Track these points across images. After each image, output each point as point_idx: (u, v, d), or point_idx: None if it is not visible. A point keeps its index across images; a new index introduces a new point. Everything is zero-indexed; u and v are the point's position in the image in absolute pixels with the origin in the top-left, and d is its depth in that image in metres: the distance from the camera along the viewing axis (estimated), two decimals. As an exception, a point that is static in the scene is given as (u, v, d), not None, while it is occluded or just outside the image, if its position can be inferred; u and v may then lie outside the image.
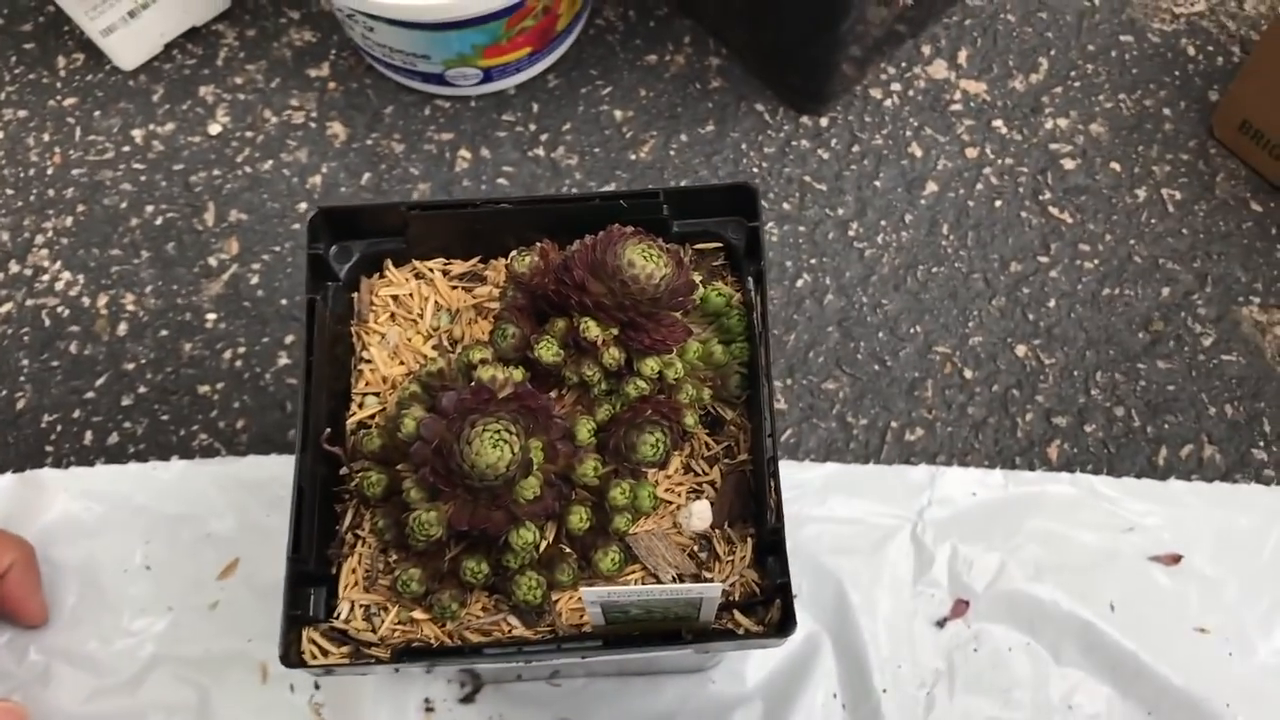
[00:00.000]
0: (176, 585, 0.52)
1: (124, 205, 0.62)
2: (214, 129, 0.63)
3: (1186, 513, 0.53)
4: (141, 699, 0.50)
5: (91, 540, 0.52)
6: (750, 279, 0.41)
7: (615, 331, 0.39)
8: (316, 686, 0.50)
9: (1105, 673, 0.51)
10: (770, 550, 0.39)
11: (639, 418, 0.39)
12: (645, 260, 0.38)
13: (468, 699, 0.51)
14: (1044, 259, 0.59)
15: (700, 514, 0.39)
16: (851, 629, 0.51)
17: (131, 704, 0.50)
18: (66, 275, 0.60)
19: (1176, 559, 0.53)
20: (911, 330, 0.57)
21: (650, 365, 0.39)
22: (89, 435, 0.56)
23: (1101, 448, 0.55)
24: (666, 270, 0.38)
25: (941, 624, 0.51)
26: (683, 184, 0.60)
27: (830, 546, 0.52)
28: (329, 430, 0.40)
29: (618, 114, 0.63)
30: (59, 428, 0.56)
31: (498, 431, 0.36)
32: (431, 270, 0.44)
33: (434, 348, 0.43)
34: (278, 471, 0.53)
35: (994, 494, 0.54)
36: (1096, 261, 0.59)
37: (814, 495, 0.54)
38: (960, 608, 0.52)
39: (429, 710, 0.50)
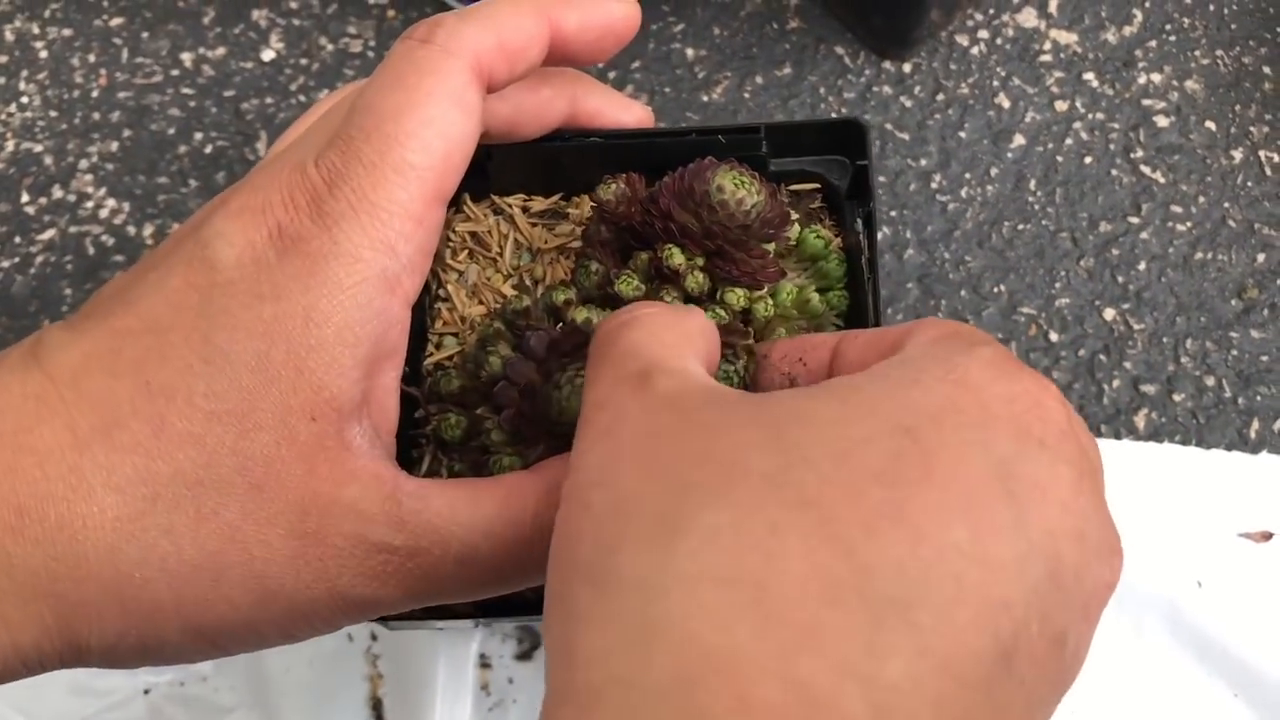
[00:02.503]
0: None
1: (172, 131, 0.59)
2: (267, 55, 0.61)
3: (1278, 488, 0.51)
4: (188, 643, 0.48)
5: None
6: (859, 220, 0.39)
7: (700, 261, 0.37)
8: (374, 637, 0.48)
9: (1189, 651, 0.49)
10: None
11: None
12: (735, 186, 0.35)
13: (524, 655, 0.49)
14: (1134, 219, 0.56)
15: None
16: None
17: (177, 648, 0.48)
18: (111, 202, 0.57)
19: (1267, 536, 0.50)
20: (995, 289, 0.55)
21: (736, 295, 0.37)
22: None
23: (1190, 418, 0.53)
24: (758, 198, 0.36)
25: (1020, 595, 0.49)
26: (784, 119, 0.57)
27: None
28: (406, 370, 0.37)
29: (689, 53, 0.60)
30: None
31: None
32: (511, 206, 0.42)
33: (514, 287, 0.40)
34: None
35: (1078, 463, 0.52)
36: (1189, 224, 0.56)
37: (890, 457, 0.51)
38: (1040, 579, 0.50)
39: (485, 666, 0.49)
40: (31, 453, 0.24)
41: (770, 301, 0.37)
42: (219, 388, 0.25)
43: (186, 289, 0.26)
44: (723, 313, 0.37)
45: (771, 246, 0.38)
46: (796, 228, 0.39)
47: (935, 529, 0.20)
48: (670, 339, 0.26)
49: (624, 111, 0.38)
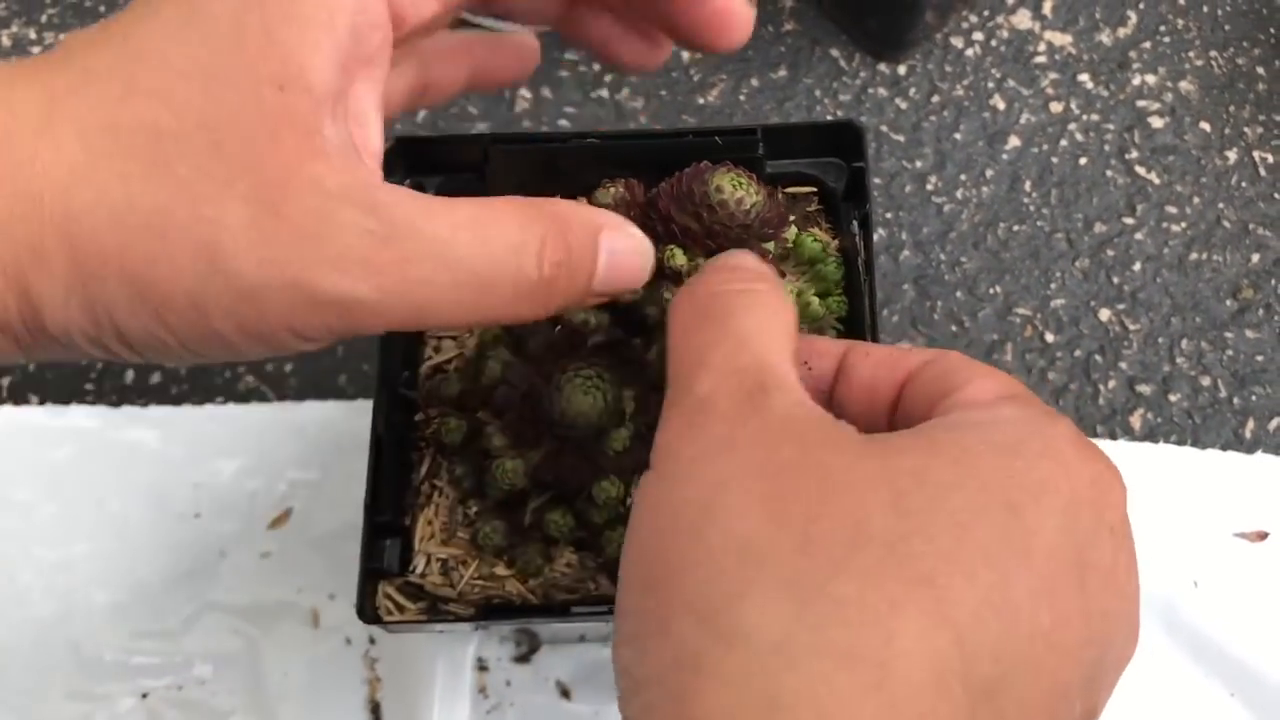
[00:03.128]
0: (226, 533, 0.50)
1: (168, 136, 0.59)
2: (263, 59, 0.61)
3: (1274, 488, 0.51)
4: (187, 647, 0.48)
5: (139, 484, 0.50)
6: (855, 222, 0.39)
7: (702, 261, 0.37)
8: (372, 641, 0.48)
9: (1185, 651, 0.49)
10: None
11: None
12: (734, 187, 0.35)
13: (522, 658, 0.49)
14: (1129, 220, 0.57)
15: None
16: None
17: (176, 649, 0.48)
18: (108, 207, 0.57)
19: (1263, 535, 0.50)
20: (991, 290, 0.55)
21: None
22: (130, 374, 0.54)
23: (1186, 418, 0.53)
24: (757, 198, 0.36)
25: (1018, 596, 0.50)
26: (780, 121, 0.57)
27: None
28: (406, 374, 0.37)
29: (685, 56, 0.60)
30: (99, 364, 0.54)
31: (589, 378, 0.33)
32: (508, 209, 0.42)
33: (512, 290, 0.40)
34: (333, 418, 0.51)
35: (1074, 463, 0.52)
36: (1184, 225, 0.57)
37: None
38: (1037, 580, 0.50)
39: (482, 669, 0.49)
40: (4, 104, 0.24)
41: None
42: (192, 47, 0.25)
43: None
44: None
45: (771, 246, 0.38)
46: (794, 230, 0.39)
47: (1027, 614, 0.22)
48: (780, 336, 0.27)
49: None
